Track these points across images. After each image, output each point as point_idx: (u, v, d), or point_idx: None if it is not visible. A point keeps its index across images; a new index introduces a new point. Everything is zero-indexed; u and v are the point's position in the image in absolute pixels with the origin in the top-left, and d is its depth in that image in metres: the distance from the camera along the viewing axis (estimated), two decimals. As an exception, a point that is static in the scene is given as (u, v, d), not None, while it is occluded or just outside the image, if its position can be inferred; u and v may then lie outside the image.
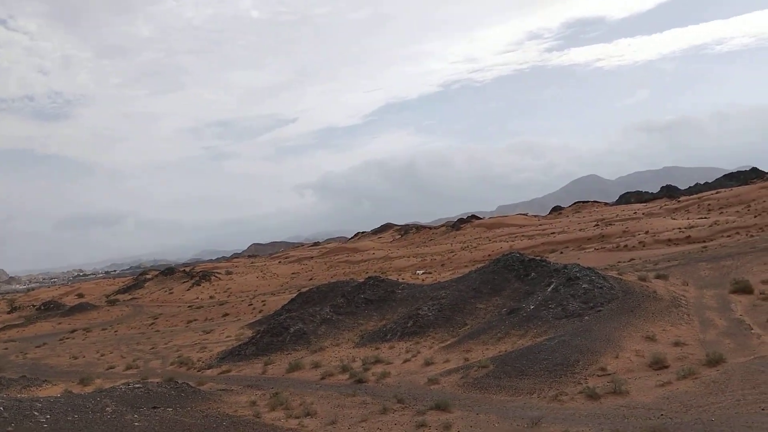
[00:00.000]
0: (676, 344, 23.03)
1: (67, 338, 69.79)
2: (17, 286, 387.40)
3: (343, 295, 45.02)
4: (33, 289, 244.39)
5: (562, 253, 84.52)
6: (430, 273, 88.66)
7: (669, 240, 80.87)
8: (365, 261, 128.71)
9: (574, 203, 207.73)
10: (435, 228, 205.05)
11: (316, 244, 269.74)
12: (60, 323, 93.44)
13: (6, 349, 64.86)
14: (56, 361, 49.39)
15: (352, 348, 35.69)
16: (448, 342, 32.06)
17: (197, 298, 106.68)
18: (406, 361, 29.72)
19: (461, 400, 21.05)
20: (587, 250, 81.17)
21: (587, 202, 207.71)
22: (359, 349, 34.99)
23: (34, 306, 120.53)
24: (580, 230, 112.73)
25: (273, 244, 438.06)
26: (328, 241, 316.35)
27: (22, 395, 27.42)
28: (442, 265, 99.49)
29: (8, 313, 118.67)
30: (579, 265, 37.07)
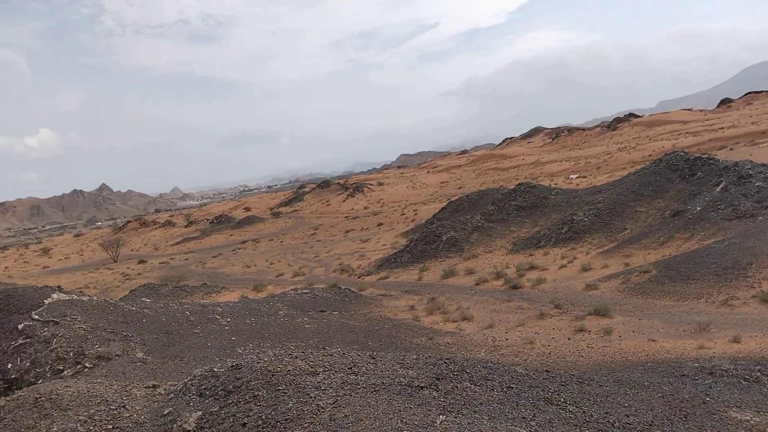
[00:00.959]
0: None
1: (239, 249, 75.71)
2: (191, 202, 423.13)
3: (494, 202, 44.71)
4: (205, 204, 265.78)
5: (731, 149, 77.71)
6: (584, 177, 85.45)
7: None
8: (515, 167, 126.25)
9: (746, 94, 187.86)
10: (589, 129, 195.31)
11: (463, 152, 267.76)
12: (231, 235, 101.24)
13: (187, 259, 71.75)
14: (231, 269, 53.89)
15: (504, 255, 35.69)
16: (606, 247, 31.11)
17: (352, 209, 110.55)
18: (561, 267, 29.31)
19: (622, 306, 20.54)
20: (761, 146, 73.91)
21: (761, 92, 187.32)
22: (512, 255, 34.92)
23: (207, 220, 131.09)
24: (753, 123, 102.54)
25: (420, 153, 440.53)
26: (476, 148, 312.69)
27: (205, 301, 30.33)
28: (598, 168, 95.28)
29: (186, 227, 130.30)
30: (752, 161, 34.13)
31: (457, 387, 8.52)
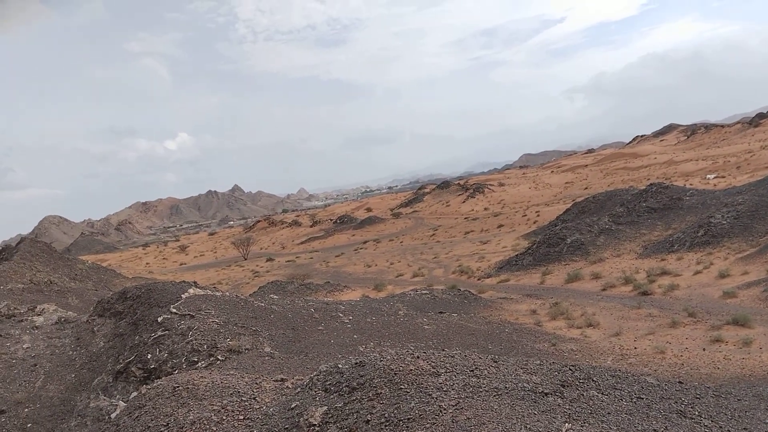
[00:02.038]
0: None
1: (361, 248, 77.23)
2: (316, 202, 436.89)
3: (623, 203, 42.82)
4: (329, 204, 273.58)
5: None
6: (722, 177, 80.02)
7: None
8: (646, 167, 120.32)
9: None
10: (728, 126, 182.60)
11: (590, 151, 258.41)
12: (353, 235, 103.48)
13: (311, 258, 74.10)
14: (353, 268, 55.06)
15: (634, 259, 34.09)
16: (747, 252, 28.95)
17: (472, 210, 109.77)
18: (696, 273, 27.59)
19: (763, 316, 19.06)
20: None
21: None
22: (642, 260, 33.29)
23: (331, 220, 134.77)
24: None
25: (544, 153, 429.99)
26: (603, 147, 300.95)
27: (328, 299, 31.16)
28: (738, 167, 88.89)
29: (311, 226, 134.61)
30: None
31: (583, 395, 8.22)
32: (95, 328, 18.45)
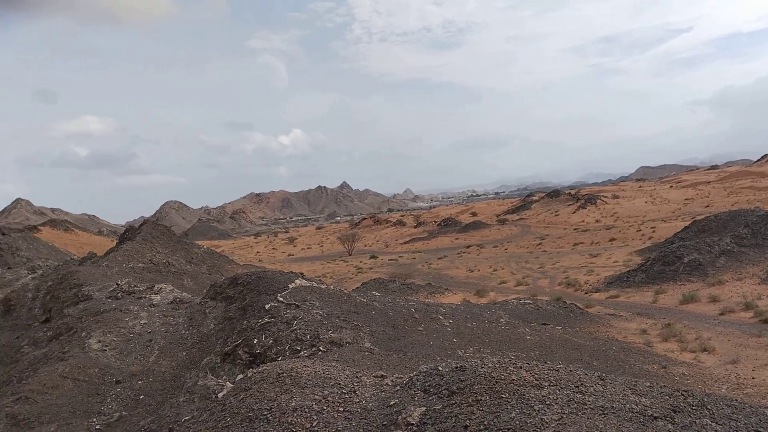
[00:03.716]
0: None
1: (464, 252, 76.74)
2: (421, 203, 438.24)
3: (747, 225, 40.07)
4: (434, 206, 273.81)
5: None
6: None
7: None
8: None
9: None
10: None
11: (713, 167, 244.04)
12: (457, 238, 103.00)
13: (414, 258, 74.38)
14: (455, 272, 54.77)
15: (757, 284, 31.83)
16: None
17: (583, 221, 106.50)
18: (830, 304, 25.43)
19: None
20: None
21: None
22: (765, 286, 31.05)
23: (435, 222, 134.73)
24: None
25: (663, 167, 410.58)
26: (728, 163, 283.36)
27: (429, 300, 31.13)
28: None
29: (414, 227, 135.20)
30: None
31: (695, 423, 7.74)
32: (207, 310, 19.34)
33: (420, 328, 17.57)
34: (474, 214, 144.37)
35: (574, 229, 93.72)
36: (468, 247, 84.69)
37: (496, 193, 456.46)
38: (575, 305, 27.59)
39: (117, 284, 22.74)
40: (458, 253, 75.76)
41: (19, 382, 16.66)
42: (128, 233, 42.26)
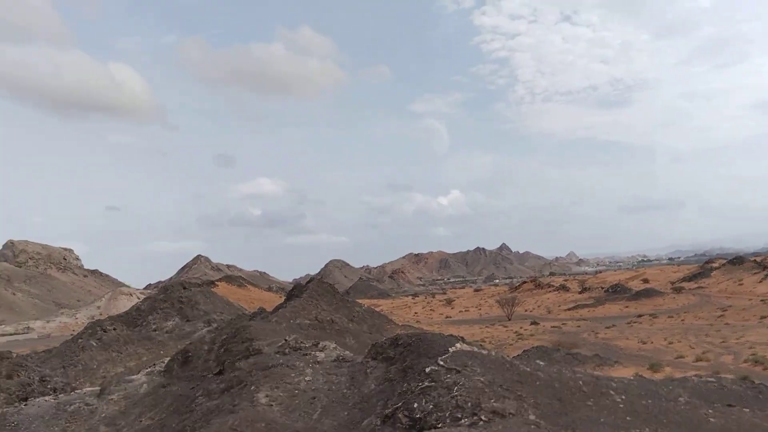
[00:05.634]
0: None
1: (634, 322, 72.08)
2: (586, 268, 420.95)
3: None
4: (600, 271, 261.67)
5: None
6: None
7: None
8: None
9: None
10: None
11: None
12: (626, 306, 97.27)
13: (579, 327, 70.96)
14: (625, 343, 51.45)
15: None
16: None
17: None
18: None
19: None
20: None
21: None
22: None
23: (602, 288, 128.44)
24: None
25: None
26: None
27: (597, 372, 29.29)
28: None
29: (579, 293, 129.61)
30: None
31: None
32: (368, 370, 19.45)
33: (589, 403, 16.42)
34: (646, 281, 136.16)
35: (761, 301, 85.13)
36: (639, 316, 79.50)
37: (670, 259, 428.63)
38: (764, 385, 24.65)
39: (285, 340, 23.64)
40: (628, 323, 71.28)
41: None
42: (295, 290, 44.26)
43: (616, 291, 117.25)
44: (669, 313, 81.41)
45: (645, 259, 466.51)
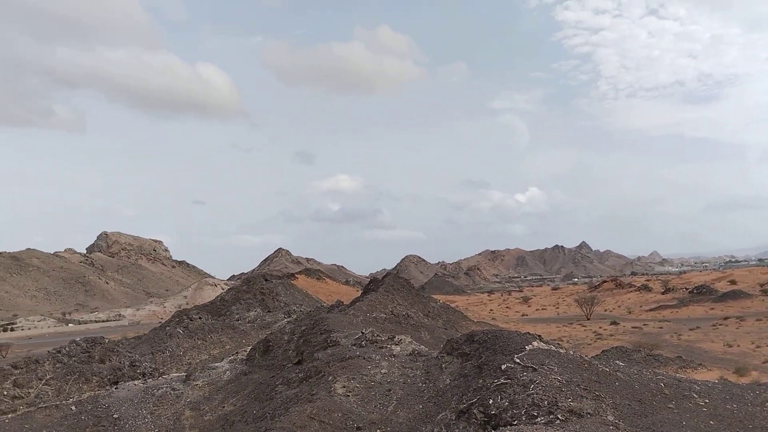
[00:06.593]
0: None
1: (720, 324, 69.29)
2: (669, 268, 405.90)
3: None
4: (684, 272, 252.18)
5: None
6: None
7: None
8: None
9: None
10: None
11: None
12: (712, 308, 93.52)
13: (661, 328, 68.79)
14: (709, 345, 49.64)
15: None
16: None
17: None
18: None
19: None
20: None
21: None
22: None
23: (686, 289, 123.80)
24: None
25: None
26: None
27: (680, 375, 28.45)
28: None
29: (662, 293, 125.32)
30: None
31: None
32: (443, 365, 19.65)
33: (670, 406, 16.06)
34: (733, 282, 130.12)
35: None
36: (725, 318, 76.23)
37: (760, 260, 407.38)
38: None
39: (362, 333, 24.14)
40: (713, 325, 68.52)
41: (272, 419, 18.31)
42: (372, 284, 44.89)
43: (701, 292, 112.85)
44: (757, 315, 77.68)
45: (733, 260, 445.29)
